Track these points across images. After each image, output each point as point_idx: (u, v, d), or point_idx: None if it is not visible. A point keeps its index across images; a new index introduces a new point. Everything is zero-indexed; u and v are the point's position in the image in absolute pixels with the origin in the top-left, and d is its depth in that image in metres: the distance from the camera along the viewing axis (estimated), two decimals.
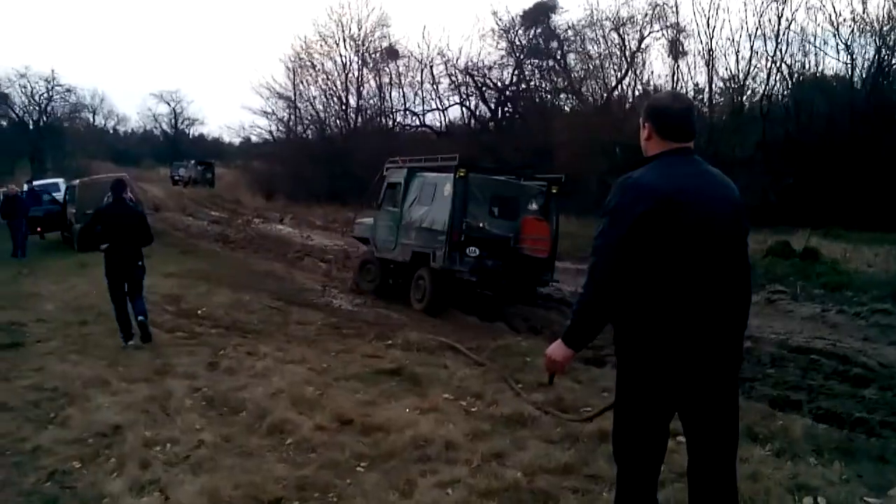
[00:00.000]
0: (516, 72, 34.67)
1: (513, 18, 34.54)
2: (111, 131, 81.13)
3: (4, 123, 64.87)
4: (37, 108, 63.16)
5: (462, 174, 10.82)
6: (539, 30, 34.84)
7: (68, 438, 5.05)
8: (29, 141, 60.40)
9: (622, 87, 30.38)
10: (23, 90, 62.46)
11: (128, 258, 8.31)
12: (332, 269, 14.84)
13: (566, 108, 32.82)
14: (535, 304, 11.55)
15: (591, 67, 30.86)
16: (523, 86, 34.96)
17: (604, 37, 30.37)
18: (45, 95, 62.94)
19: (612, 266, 2.66)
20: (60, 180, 26.44)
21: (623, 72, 29.97)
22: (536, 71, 35.04)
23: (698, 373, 2.70)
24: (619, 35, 29.92)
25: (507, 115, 35.38)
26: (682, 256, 2.64)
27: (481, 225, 10.80)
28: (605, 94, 30.15)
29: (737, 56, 25.76)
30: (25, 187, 24.73)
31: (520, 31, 34.94)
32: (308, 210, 29.44)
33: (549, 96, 34.35)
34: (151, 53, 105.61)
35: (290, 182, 36.72)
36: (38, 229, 21.05)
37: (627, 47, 29.75)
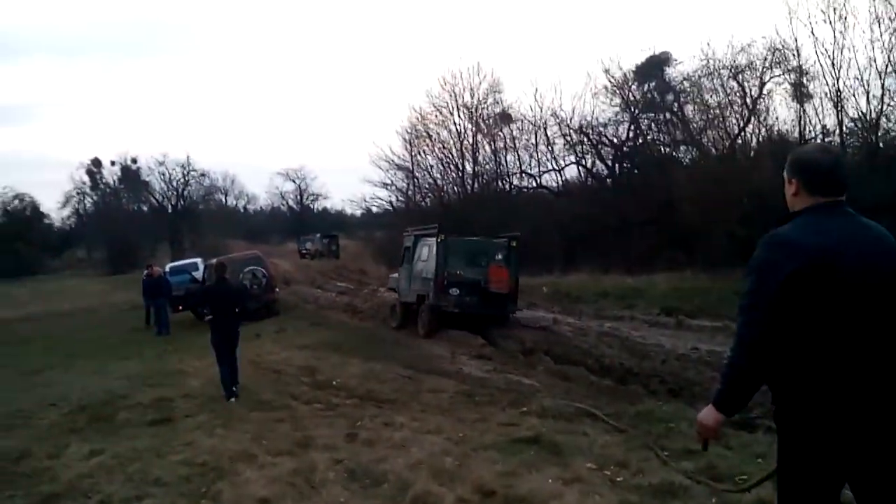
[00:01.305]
0: (632, 127, 34.36)
1: (625, 74, 34.40)
2: (242, 210, 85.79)
3: (146, 209, 70.16)
4: (174, 192, 68.00)
5: (441, 238, 15.43)
6: (653, 84, 34.54)
7: None
8: (168, 223, 64.91)
9: (745, 135, 29.49)
10: (161, 177, 67.64)
11: (229, 326, 9.96)
12: (459, 336, 14.85)
13: (686, 160, 32.11)
14: (505, 326, 15.06)
15: (711, 117, 30.14)
16: (640, 140, 34.54)
17: (722, 85, 29.68)
18: (182, 180, 67.83)
19: (761, 327, 2.52)
20: (198, 259, 28.07)
21: (745, 119, 29.11)
22: (653, 125, 34.62)
23: (866, 438, 2.49)
24: (739, 82, 29.18)
25: (626, 170, 34.98)
26: (841, 315, 2.47)
27: (458, 272, 15.14)
28: (727, 144, 29.31)
29: (867, 95, 24.51)
30: (168, 268, 26.43)
31: (633, 87, 34.74)
32: None
33: (668, 149, 33.73)
34: (277, 134, 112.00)
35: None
36: (179, 307, 22.33)
37: (748, 94, 28.94)
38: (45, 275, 55.65)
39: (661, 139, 34.57)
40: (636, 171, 34.09)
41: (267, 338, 16.56)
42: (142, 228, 62.27)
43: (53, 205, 68.06)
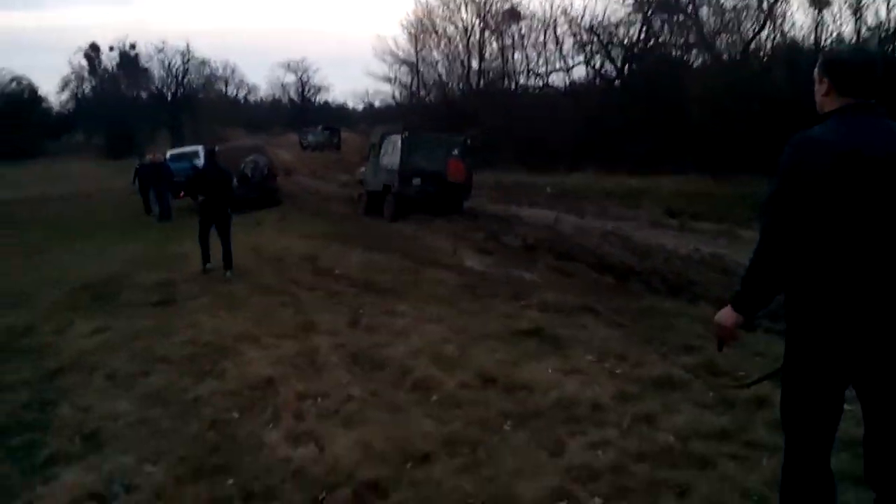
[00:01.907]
0: (644, 28, 33.33)
1: None
2: (243, 101, 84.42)
3: (145, 96, 68.99)
4: (174, 80, 66.73)
5: (406, 134, 17.70)
6: None
7: (225, 390, 5.28)
8: (167, 111, 63.99)
9: (760, 40, 28.65)
10: (161, 64, 66.20)
11: (217, 208, 10.56)
12: (461, 230, 14.85)
13: (698, 63, 31.33)
14: (461, 214, 16.88)
15: (726, 20, 29.21)
16: (652, 42, 33.57)
17: None
18: (181, 68, 66.44)
19: (784, 228, 2.48)
20: (199, 147, 27.69)
21: (760, 24, 28.22)
22: (665, 26, 33.54)
23: (875, 337, 2.46)
24: None
25: (635, 72, 34.15)
26: (865, 216, 2.41)
27: (421, 165, 16.76)
28: (740, 48, 28.51)
29: (888, 3, 23.66)
30: (168, 155, 26.12)
31: None
32: None
33: (679, 52, 32.82)
34: (279, 24, 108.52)
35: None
36: (181, 194, 22.22)
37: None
38: (44, 158, 55.10)
39: (674, 41, 33.58)
40: (646, 73, 33.28)
41: (268, 226, 16.56)
42: (141, 115, 61.34)
43: (52, 88, 66.74)
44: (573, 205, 17.49)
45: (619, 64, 34.32)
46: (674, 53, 33.04)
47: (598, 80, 34.99)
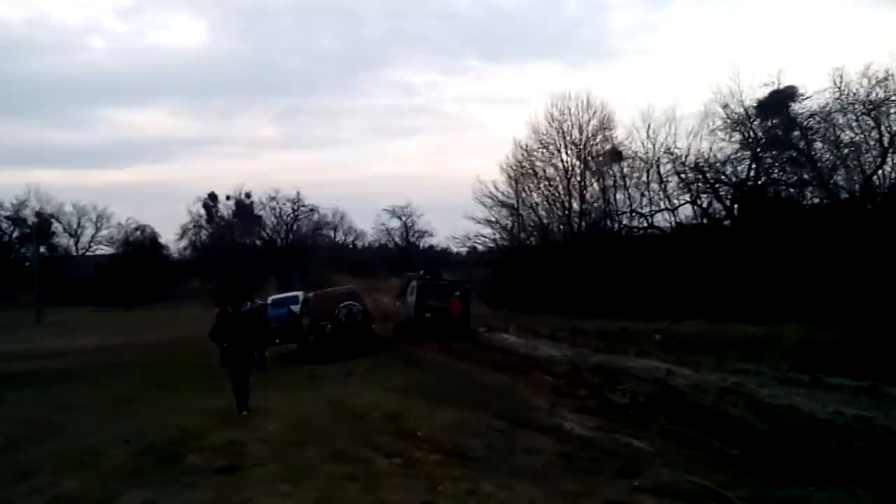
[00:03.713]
0: (753, 165, 32.13)
1: (746, 110, 32.31)
2: (350, 246, 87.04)
3: (259, 243, 72.17)
4: (284, 227, 69.73)
5: (421, 280, 23.75)
6: (777, 119, 32.28)
7: None
8: (277, 258, 66.44)
9: (881, 176, 26.93)
10: (272, 211, 69.56)
11: (242, 351, 11.16)
12: (561, 384, 13.56)
13: (813, 201, 29.74)
14: (466, 340, 21.03)
15: (843, 155, 27.76)
16: (762, 180, 32.23)
17: (856, 120, 27.32)
18: (292, 215, 69.51)
19: None
20: (300, 293, 27.85)
21: (881, 158, 26.62)
22: (776, 163, 32.24)
23: None
24: (874, 118, 26.78)
25: (746, 211, 32.67)
26: None
27: (430, 303, 22.10)
28: (859, 185, 26.86)
29: None
30: (270, 301, 26.33)
31: (755, 123, 32.58)
32: (532, 318, 28.49)
33: (793, 190, 31.31)
34: (384, 171, 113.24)
35: (513, 290, 36.30)
36: (277, 340, 22.03)
37: (885, 131, 26.47)
38: (161, 304, 57.58)
39: (786, 178, 32.16)
40: (758, 213, 31.76)
41: (358, 376, 15.82)
42: (253, 261, 63.88)
43: (171, 236, 70.85)
44: (685, 356, 15.90)
45: (727, 203, 32.98)
46: (787, 191, 31.57)
47: (706, 220, 33.63)
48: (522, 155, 39.74)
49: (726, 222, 32.98)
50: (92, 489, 7.39)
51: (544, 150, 38.78)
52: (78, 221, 71.42)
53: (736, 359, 15.17)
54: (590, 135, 37.59)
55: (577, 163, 37.83)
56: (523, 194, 40.31)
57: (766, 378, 13.08)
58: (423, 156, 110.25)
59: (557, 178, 38.33)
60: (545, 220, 39.64)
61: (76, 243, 72.70)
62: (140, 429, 11.02)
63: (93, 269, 63.62)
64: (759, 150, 31.91)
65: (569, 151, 38.02)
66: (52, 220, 69.12)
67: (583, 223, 37.40)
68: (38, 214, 67.53)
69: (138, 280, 59.52)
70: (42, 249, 65.06)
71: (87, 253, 72.19)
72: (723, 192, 33.07)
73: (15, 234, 68.28)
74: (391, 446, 8.69)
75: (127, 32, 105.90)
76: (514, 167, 40.18)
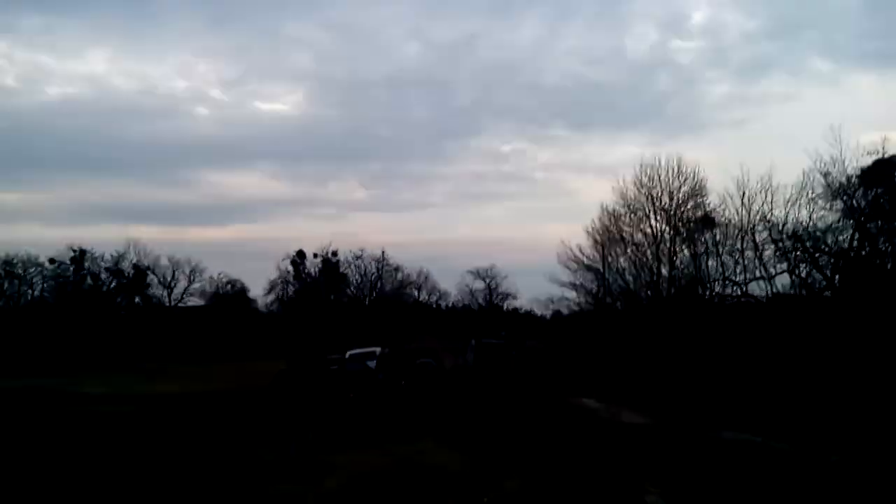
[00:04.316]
0: (856, 235, 30.40)
1: (848, 179, 30.76)
2: (434, 306, 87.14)
3: (344, 300, 73.17)
4: (368, 284, 70.66)
5: (473, 343, 31.72)
6: (882, 189, 30.59)
7: None
8: (362, 315, 67.01)
9: None
10: (357, 269, 70.66)
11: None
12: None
13: None
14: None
15: None
16: (866, 250, 30.42)
17: None
18: (376, 274, 70.40)
19: None
20: (378, 349, 27.73)
21: None
22: (881, 234, 30.40)
23: None
24: None
25: (848, 283, 30.81)
26: None
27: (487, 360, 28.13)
28: None
29: None
30: (348, 355, 26.26)
31: (858, 192, 30.95)
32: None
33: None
34: (469, 233, 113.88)
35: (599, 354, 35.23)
36: (350, 394, 21.89)
37: None
38: (251, 360, 58.58)
39: (891, 250, 30.24)
40: (861, 284, 29.87)
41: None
42: (338, 318, 64.55)
43: (260, 292, 72.76)
44: None
45: (828, 273, 31.23)
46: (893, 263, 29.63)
47: (804, 291, 31.89)
48: (609, 220, 38.95)
49: (827, 293, 31.20)
50: None
51: (632, 216, 37.86)
52: (173, 274, 74.19)
53: None
54: (680, 201, 36.52)
55: (667, 228, 36.72)
56: (609, 258, 39.39)
57: None
58: (509, 221, 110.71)
59: (646, 244, 37.27)
60: (632, 285, 38.51)
61: (169, 295, 75.32)
62: None
63: (184, 321, 65.51)
64: (862, 219, 30.25)
65: (658, 217, 37.00)
66: (149, 271, 72.00)
67: (672, 289, 36.11)
68: (136, 266, 70.55)
69: (228, 334, 60.77)
70: (137, 300, 67.72)
71: (180, 304, 74.63)
72: (823, 262, 31.39)
73: (113, 285, 71.35)
74: None
75: (230, 101, 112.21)
76: (601, 232, 39.41)
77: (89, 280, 71.22)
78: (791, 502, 9.48)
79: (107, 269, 70.80)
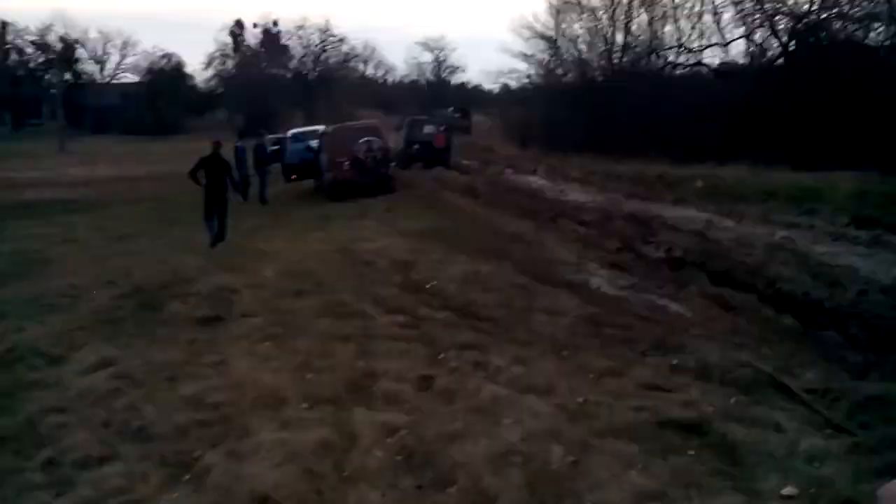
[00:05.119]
0: None
1: None
2: (381, 81, 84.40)
3: (289, 75, 69.94)
4: (312, 57, 67.22)
5: (409, 121, 27.78)
6: None
7: None
8: (305, 91, 64.46)
9: None
10: (300, 41, 66.90)
11: (218, 192, 12.06)
12: (590, 234, 12.38)
13: (881, 38, 26.92)
14: (447, 167, 24.41)
15: None
16: (825, 14, 29.21)
17: None
18: (319, 46, 66.80)
19: None
20: (322, 128, 26.45)
21: None
22: None
23: None
24: None
25: (804, 48, 29.88)
26: None
27: (418, 136, 25.80)
28: None
29: None
30: (290, 135, 25.00)
31: None
32: (563, 160, 26.92)
33: (858, 25, 28.35)
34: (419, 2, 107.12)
35: (546, 130, 34.48)
36: (293, 176, 21.03)
37: None
38: (185, 135, 56.55)
39: (852, 13, 29.08)
40: (817, 51, 29.02)
41: (372, 218, 14.73)
42: (280, 94, 62.00)
43: (198, 66, 68.85)
44: (728, 206, 14.50)
45: (785, 39, 30.15)
46: (852, 28, 28.63)
47: (759, 58, 30.96)
48: None
49: (780, 60, 30.38)
50: (52, 340, 6.58)
51: None
52: (103, 48, 69.37)
53: (785, 210, 13.77)
54: None
55: None
56: (564, 25, 37.46)
57: (819, 233, 11.72)
58: None
59: (603, 8, 35.32)
60: (584, 55, 37.01)
61: (101, 71, 70.96)
62: (132, 268, 10.19)
63: (118, 98, 62.32)
64: None
65: None
66: (77, 45, 67.15)
67: (625, 58, 34.82)
68: (63, 40, 65.65)
69: (164, 109, 58.30)
70: (67, 76, 63.73)
71: (113, 81, 70.61)
72: (780, 27, 30.21)
73: (40, 60, 66.65)
74: (396, 300, 7.71)
75: None
76: None
77: (14, 55, 66.33)
78: None
79: (32, 43, 65.78)
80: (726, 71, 31.40)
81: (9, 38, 64.40)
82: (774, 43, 30.31)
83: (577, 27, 36.68)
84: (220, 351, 6.03)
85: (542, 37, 38.33)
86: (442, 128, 26.91)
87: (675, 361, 5.42)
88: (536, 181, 20.80)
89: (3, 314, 8.02)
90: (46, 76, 65.68)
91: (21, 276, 10.73)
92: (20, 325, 7.35)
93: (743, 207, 14.28)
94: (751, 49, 30.90)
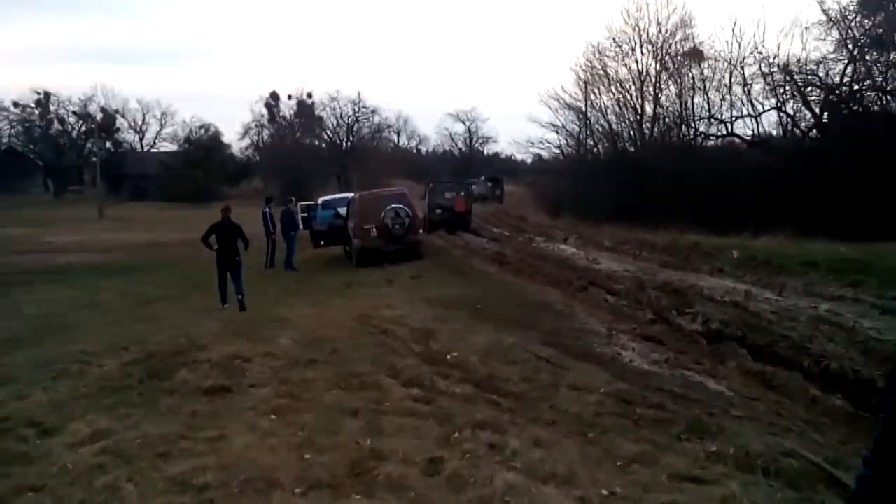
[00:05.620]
0: (850, 68, 28.76)
1: (845, 8, 28.70)
2: (414, 151, 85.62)
3: (323, 144, 71.28)
4: (344, 127, 68.53)
5: (430, 186, 29.17)
6: (881, 17, 28.62)
7: None
8: (339, 160, 65.49)
9: None
10: (333, 112, 68.33)
11: (229, 253, 12.81)
12: (622, 305, 11.88)
13: None
14: (467, 230, 26.63)
15: None
16: (859, 85, 28.90)
17: None
18: (352, 117, 68.12)
19: None
20: (351, 195, 26.53)
21: None
22: (877, 66, 28.75)
23: None
24: None
25: (837, 121, 29.52)
26: None
27: (440, 202, 27.33)
28: None
29: None
30: (320, 202, 25.07)
31: (855, 21, 28.98)
32: (595, 229, 26.52)
33: (891, 98, 27.95)
34: (450, 74, 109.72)
35: (577, 199, 34.29)
36: (321, 243, 20.92)
37: None
38: (221, 201, 57.36)
39: (886, 85, 28.70)
40: (851, 122, 28.60)
41: (397, 285, 14.46)
42: (314, 162, 63.07)
43: (234, 136, 70.74)
44: (767, 276, 13.92)
45: (817, 109, 29.85)
46: (885, 99, 28.23)
47: (792, 128, 30.64)
48: (594, 55, 36.86)
49: (814, 132, 29.99)
50: (50, 409, 6.31)
51: (618, 49, 35.80)
52: (143, 118, 71.58)
53: (827, 282, 13.14)
54: (668, 33, 34.44)
55: (653, 63, 34.82)
56: (592, 96, 37.63)
57: (866, 306, 11.08)
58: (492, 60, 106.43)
59: (630, 80, 35.47)
60: (615, 126, 37.01)
61: (141, 140, 73.11)
62: (148, 334, 9.98)
63: (156, 166, 63.84)
64: (857, 51, 28.50)
65: (644, 51, 35.01)
66: (118, 115, 69.35)
67: (655, 128, 34.72)
68: (104, 110, 67.83)
69: (201, 177, 59.42)
70: (107, 145, 65.59)
71: (152, 150, 72.52)
72: (812, 98, 29.90)
73: (82, 129, 68.83)
74: (412, 371, 7.29)
75: None
76: (585, 68, 37.41)
77: (57, 124, 68.65)
78: None
79: (74, 113, 68.10)
80: (759, 142, 31.01)
81: (52, 107, 66.78)
82: (807, 114, 30.01)
83: (606, 99, 36.85)
84: (220, 425, 5.66)
85: (571, 107, 38.54)
86: (462, 193, 28.30)
87: (712, 448, 4.90)
88: (567, 249, 20.36)
89: (10, 379, 7.80)
90: (87, 145, 67.72)
91: (39, 341, 10.60)
92: (24, 391, 7.10)
93: (783, 279, 13.66)
94: (783, 120, 30.57)
